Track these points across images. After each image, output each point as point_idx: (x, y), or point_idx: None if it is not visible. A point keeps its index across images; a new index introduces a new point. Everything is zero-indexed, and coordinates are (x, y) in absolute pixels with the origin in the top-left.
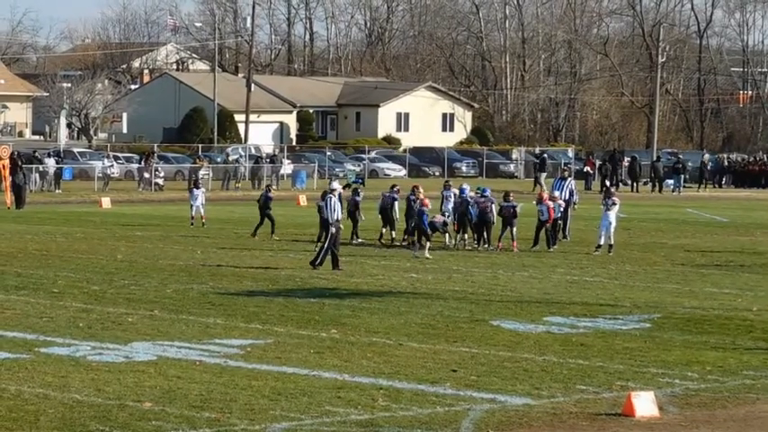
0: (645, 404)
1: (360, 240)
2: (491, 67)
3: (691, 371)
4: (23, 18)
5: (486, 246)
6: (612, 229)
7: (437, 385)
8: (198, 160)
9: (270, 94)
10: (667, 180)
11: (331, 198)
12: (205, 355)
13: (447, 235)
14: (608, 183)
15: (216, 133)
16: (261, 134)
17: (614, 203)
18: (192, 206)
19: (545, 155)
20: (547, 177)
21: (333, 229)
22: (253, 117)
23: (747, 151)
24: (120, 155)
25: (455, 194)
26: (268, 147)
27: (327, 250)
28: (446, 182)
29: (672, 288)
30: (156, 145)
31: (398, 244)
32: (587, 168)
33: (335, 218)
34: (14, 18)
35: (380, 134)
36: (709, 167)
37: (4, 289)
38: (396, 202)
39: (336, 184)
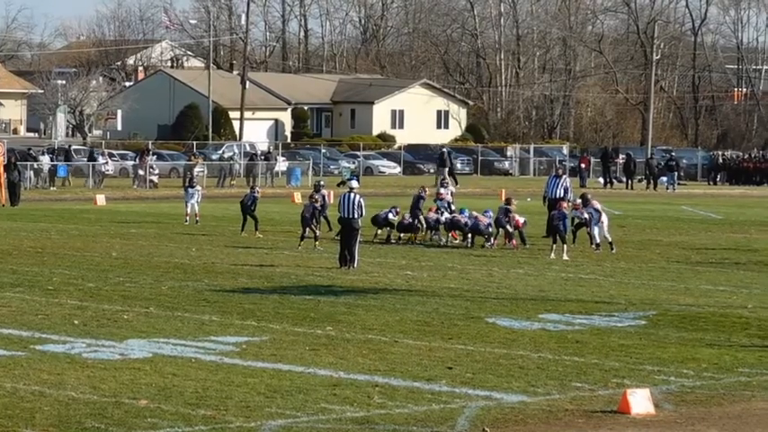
0: (640, 401)
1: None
2: (486, 64)
3: (686, 368)
4: (18, 15)
5: (485, 243)
6: (606, 228)
7: (433, 382)
8: (193, 157)
9: (265, 91)
10: (662, 177)
11: (349, 196)
12: (200, 353)
13: (439, 233)
14: (606, 181)
15: (211, 130)
16: (256, 131)
17: (597, 210)
18: (186, 203)
19: (445, 150)
20: (543, 174)
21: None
22: (247, 114)
23: (742, 148)
24: (114, 152)
25: (452, 192)
26: (263, 144)
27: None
28: (443, 179)
29: (667, 285)
30: (150, 142)
31: (394, 241)
32: (582, 165)
33: (356, 215)
34: (9, 15)
35: (375, 131)
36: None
37: None
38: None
39: (355, 183)
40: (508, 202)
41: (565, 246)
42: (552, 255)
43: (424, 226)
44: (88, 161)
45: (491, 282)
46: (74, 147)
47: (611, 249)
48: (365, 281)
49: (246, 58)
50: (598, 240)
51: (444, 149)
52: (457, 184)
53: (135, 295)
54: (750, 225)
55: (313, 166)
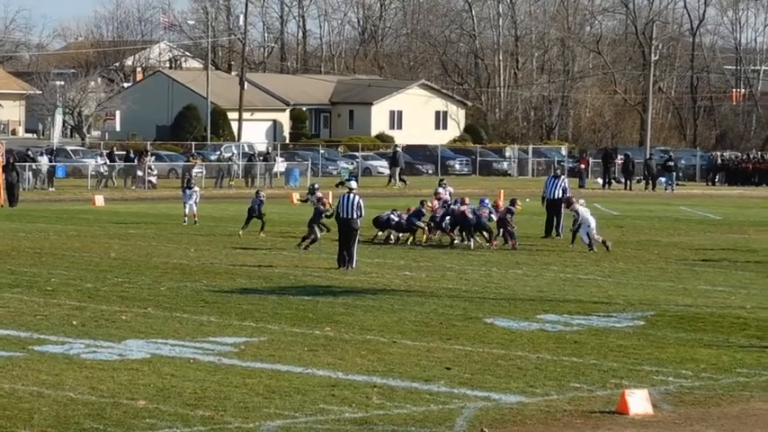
0: (639, 402)
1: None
2: (484, 65)
3: (684, 368)
4: (16, 16)
5: (488, 244)
6: (594, 229)
7: (431, 383)
8: (191, 158)
9: (263, 91)
10: (660, 178)
11: (348, 196)
12: (199, 353)
13: (439, 232)
14: (605, 182)
15: (209, 131)
16: (254, 132)
17: (577, 212)
18: (185, 204)
19: (398, 149)
20: (542, 175)
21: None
22: (246, 115)
23: (741, 149)
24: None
25: (450, 193)
26: (261, 145)
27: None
28: (441, 180)
29: (665, 286)
30: (149, 143)
31: (392, 241)
32: (582, 166)
33: (355, 216)
34: (7, 16)
35: (374, 132)
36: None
37: None
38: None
39: (354, 184)
40: (513, 203)
41: (473, 239)
42: (472, 245)
43: (425, 228)
44: (110, 162)
45: (489, 282)
46: (71, 147)
47: (590, 249)
48: (364, 281)
49: (245, 58)
50: (586, 241)
51: (398, 149)
52: (406, 184)
53: (133, 296)
54: (748, 225)
55: (311, 167)
